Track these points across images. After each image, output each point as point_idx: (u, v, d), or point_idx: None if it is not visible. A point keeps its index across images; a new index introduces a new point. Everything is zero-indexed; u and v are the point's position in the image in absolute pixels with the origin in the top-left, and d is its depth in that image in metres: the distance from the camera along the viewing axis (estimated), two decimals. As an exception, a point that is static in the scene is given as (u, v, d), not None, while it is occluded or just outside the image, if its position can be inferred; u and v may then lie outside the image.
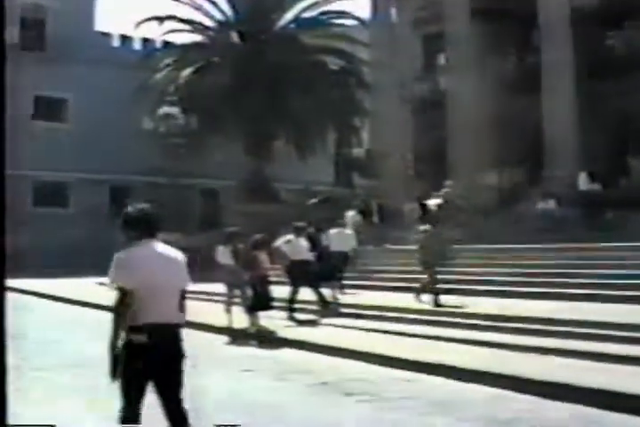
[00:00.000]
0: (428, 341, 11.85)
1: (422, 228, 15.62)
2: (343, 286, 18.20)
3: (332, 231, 18.43)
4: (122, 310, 5.04)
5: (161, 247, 5.37)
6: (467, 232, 20.02)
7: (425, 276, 15.12)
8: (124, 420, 5.11)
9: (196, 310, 16.52)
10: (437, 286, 14.78)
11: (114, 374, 4.99)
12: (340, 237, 18.31)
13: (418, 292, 15.12)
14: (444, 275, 15.48)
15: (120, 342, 5.00)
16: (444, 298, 14.58)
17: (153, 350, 5.00)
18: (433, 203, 19.95)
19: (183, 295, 5.35)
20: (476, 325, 12.48)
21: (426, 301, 14.78)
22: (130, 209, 5.41)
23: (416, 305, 14.84)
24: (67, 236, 35.15)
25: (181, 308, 5.29)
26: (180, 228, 31.35)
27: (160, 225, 5.45)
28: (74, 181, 39.65)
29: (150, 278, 5.10)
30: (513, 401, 8.09)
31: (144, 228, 5.30)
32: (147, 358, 4.99)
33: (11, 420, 2.90)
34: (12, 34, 39.20)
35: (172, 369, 5.17)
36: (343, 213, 22.81)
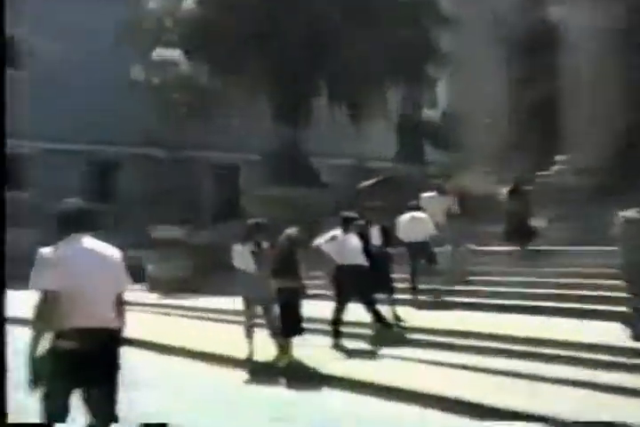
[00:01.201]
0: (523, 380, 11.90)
1: (623, 214, 13.69)
2: (417, 301, 18.33)
3: (403, 218, 18.61)
4: (44, 313, 6.03)
5: (92, 243, 6.49)
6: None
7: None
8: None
9: (205, 335, 16.76)
10: None
11: (34, 383, 5.93)
12: (414, 224, 18.44)
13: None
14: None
15: (42, 350, 5.94)
16: None
17: (82, 358, 5.95)
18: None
19: (120, 299, 6.47)
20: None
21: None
22: (61, 205, 6.81)
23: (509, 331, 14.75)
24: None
25: (119, 313, 6.35)
26: (187, 219, 31.63)
27: (97, 221, 6.67)
28: (33, 151, 39.72)
29: (78, 278, 6.13)
30: None
31: (75, 224, 6.56)
32: (75, 366, 5.94)
33: None
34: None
35: (104, 379, 6.11)
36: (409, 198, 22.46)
